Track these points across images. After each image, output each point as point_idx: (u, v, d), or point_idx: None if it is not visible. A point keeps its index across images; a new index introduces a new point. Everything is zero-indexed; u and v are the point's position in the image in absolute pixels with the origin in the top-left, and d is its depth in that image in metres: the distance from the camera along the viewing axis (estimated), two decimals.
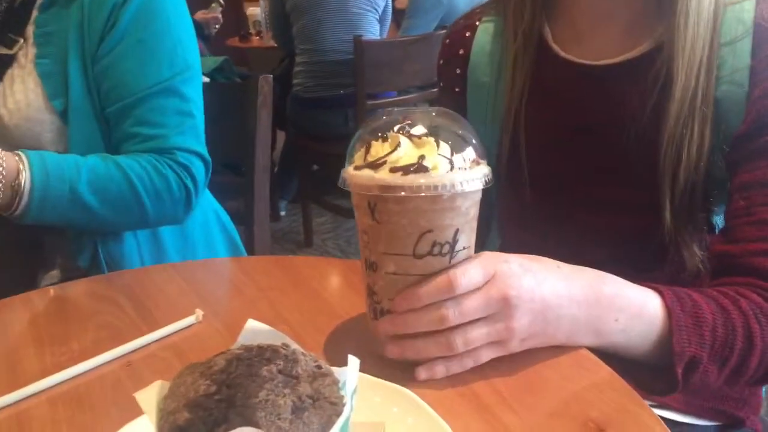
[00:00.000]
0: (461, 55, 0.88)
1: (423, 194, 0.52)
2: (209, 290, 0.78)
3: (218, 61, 2.18)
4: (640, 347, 0.62)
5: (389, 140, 0.54)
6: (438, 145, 0.53)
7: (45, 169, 0.87)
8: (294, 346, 0.46)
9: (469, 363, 0.57)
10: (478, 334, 0.56)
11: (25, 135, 0.95)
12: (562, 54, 0.81)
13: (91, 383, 0.59)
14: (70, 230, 0.99)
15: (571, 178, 0.81)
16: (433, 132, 0.55)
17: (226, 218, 1.24)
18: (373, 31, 2.96)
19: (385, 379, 0.54)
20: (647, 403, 0.55)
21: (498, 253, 0.59)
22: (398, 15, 3.43)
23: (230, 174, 1.69)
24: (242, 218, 1.34)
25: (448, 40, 0.92)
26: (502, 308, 0.55)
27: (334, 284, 0.80)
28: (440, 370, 0.57)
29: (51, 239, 1.03)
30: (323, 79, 2.87)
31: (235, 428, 0.37)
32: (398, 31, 3.39)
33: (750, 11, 0.70)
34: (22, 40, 0.97)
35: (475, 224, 0.57)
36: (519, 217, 0.87)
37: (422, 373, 0.57)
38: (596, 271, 0.62)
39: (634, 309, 0.61)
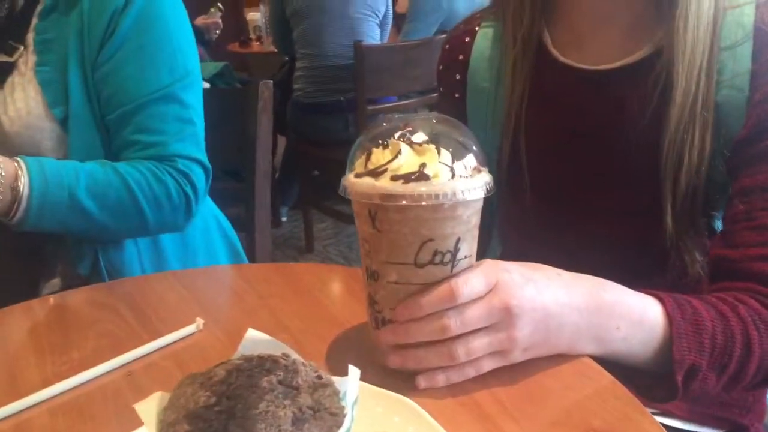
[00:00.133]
0: (461, 60, 0.88)
1: (424, 203, 0.51)
2: (210, 298, 0.78)
3: (219, 67, 2.18)
4: (640, 354, 0.62)
5: (390, 147, 0.54)
6: (439, 153, 0.53)
7: (43, 175, 0.87)
8: (294, 356, 0.45)
9: (470, 372, 0.57)
10: (480, 344, 0.55)
11: (25, 143, 0.95)
12: (562, 59, 0.81)
13: (91, 393, 0.59)
14: (70, 237, 0.99)
15: (572, 184, 0.81)
16: (434, 139, 0.54)
17: (226, 225, 1.24)
18: (374, 36, 2.96)
19: (387, 389, 0.54)
20: (649, 411, 0.54)
21: (499, 262, 0.59)
22: (399, 19, 3.44)
23: (231, 180, 1.69)
24: (243, 224, 1.34)
25: (447, 46, 0.92)
26: (504, 318, 0.55)
27: (335, 292, 0.79)
28: (441, 379, 0.57)
29: (51, 247, 1.03)
30: (324, 85, 2.88)
31: None
32: (399, 36, 3.39)
33: (750, 15, 0.70)
34: (22, 48, 0.97)
35: (476, 232, 0.56)
36: (520, 223, 0.87)
37: (422, 382, 0.56)
38: (597, 278, 0.62)
39: (635, 316, 0.60)
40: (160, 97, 0.97)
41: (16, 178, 0.85)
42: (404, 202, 0.51)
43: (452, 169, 0.53)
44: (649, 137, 0.72)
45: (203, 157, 1.01)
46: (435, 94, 2.71)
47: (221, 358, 0.47)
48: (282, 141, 3.31)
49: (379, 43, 3.00)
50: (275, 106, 1.35)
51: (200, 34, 3.05)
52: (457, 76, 0.88)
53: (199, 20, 3.17)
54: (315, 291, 0.76)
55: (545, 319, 0.57)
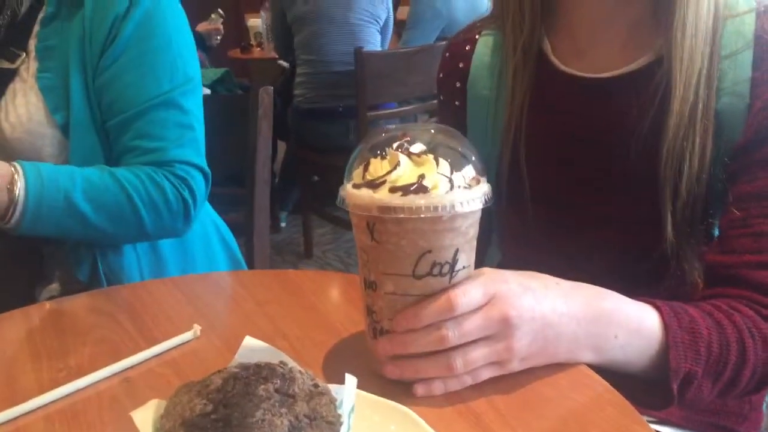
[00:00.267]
0: (461, 68, 0.89)
1: (423, 215, 0.51)
2: (208, 305, 0.78)
3: (219, 73, 2.19)
4: (637, 363, 0.62)
5: (388, 158, 0.54)
6: (437, 163, 0.53)
7: (40, 178, 0.87)
8: (291, 364, 0.46)
9: (467, 381, 0.57)
10: (478, 354, 0.55)
11: (26, 149, 0.96)
12: (562, 67, 0.81)
13: (88, 400, 0.59)
14: (69, 242, 0.99)
15: (572, 191, 0.81)
16: (433, 149, 0.54)
17: (225, 230, 1.24)
18: (374, 42, 2.97)
19: (383, 397, 0.54)
20: (646, 418, 0.54)
21: (498, 272, 0.59)
22: (400, 26, 3.45)
23: (231, 186, 1.69)
24: (242, 230, 1.34)
25: (448, 54, 0.92)
26: (503, 329, 0.55)
27: (333, 299, 0.79)
28: (438, 386, 0.57)
29: (50, 252, 1.03)
30: (324, 90, 2.88)
31: None
32: (399, 42, 3.40)
33: (750, 24, 0.70)
34: (24, 54, 0.98)
35: (474, 243, 0.56)
36: (519, 231, 0.87)
37: (420, 390, 0.56)
38: (595, 287, 0.62)
39: (632, 325, 0.61)
40: (160, 103, 0.97)
41: (12, 180, 0.85)
42: (402, 214, 0.51)
43: (451, 180, 0.53)
44: (649, 145, 0.73)
45: (203, 162, 1.01)
46: (435, 101, 2.71)
47: (218, 365, 0.47)
48: (282, 146, 3.32)
49: (379, 49, 3.01)
50: (275, 112, 1.36)
51: (201, 40, 3.06)
52: (457, 84, 0.89)
53: (201, 26, 3.18)
54: (313, 298, 0.76)
55: (543, 329, 0.57)
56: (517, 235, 0.89)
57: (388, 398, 0.53)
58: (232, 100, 1.53)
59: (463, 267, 0.56)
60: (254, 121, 1.28)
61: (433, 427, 0.50)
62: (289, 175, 3.31)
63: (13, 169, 0.86)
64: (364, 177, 0.54)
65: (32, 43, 0.98)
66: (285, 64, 3.37)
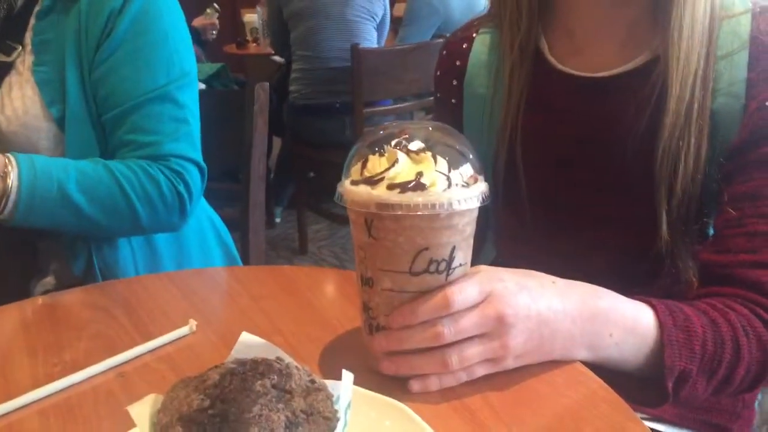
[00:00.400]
0: (458, 66, 0.89)
1: (420, 213, 0.51)
2: (203, 300, 0.78)
3: (215, 68, 2.19)
4: (632, 361, 0.62)
5: (386, 155, 0.54)
6: (435, 161, 0.53)
7: (33, 169, 0.87)
8: (288, 359, 0.46)
9: (462, 377, 0.57)
10: (474, 351, 0.56)
11: (22, 142, 0.95)
12: (559, 66, 0.81)
13: (83, 395, 0.59)
14: (64, 235, 0.99)
15: (568, 190, 0.81)
16: (431, 147, 0.55)
17: (221, 225, 1.24)
18: (371, 39, 2.97)
19: (379, 393, 0.54)
20: (640, 415, 0.55)
21: (494, 270, 0.59)
22: (397, 23, 3.45)
23: (226, 181, 1.69)
24: (237, 225, 1.34)
25: (445, 52, 0.92)
26: (498, 326, 0.56)
27: (329, 294, 0.80)
28: (433, 382, 0.57)
29: (45, 245, 1.02)
30: (320, 87, 2.88)
31: None
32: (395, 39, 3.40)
33: (746, 25, 0.71)
34: (20, 48, 0.97)
35: (471, 241, 0.57)
36: (515, 229, 0.87)
37: (415, 386, 0.57)
38: (591, 285, 0.62)
39: (628, 323, 0.61)
40: (155, 97, 0.97)
41: (5, 171, 0.85)
42: (400, 211, 0.52)
43: (449, 178, 0.53)
44: (645, 144, 0.73)
45: (198, 156, 1.01)
46: (431, 98, 2.73)
47: (214, 360, 0.47)
48: (277, 142, 3.31)
49: (376, 46, 3.01)
50: (271, 108, 1.36)
51: (197, 34, 3.05)
52: (454, 82, 0.89)
53: (196, 21, 3.17)
54: (308, 294, 0.76)
55: (539, 328, 0.57)
56: (513, 233, 0.89)
57: (383, 394, 0.54)
58: (228, 95, 1.52)
59: (460, 264, 0.56)
60: (250, 117, 1.28)
61: (428, 423, 0.51)
62: (284, 171, 3.30)
63: (6, 160, 0.86)
64: (362, 174, 0.54)
65: (28, 37, 0.98)
66: (280, 59, 3.36)
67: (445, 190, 0.52)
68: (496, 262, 0.94)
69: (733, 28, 0.71)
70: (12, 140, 0.95)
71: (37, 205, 0.87)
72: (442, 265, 0.54)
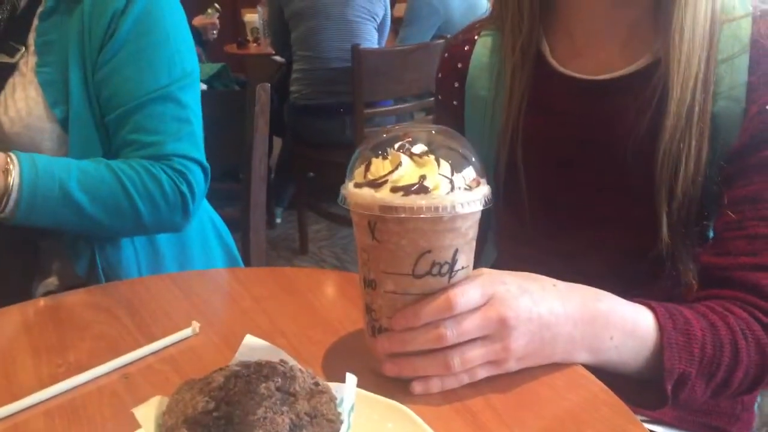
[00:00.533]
0: (460, 68, 0.89)
1: (424, 216, 0.52)
2: (205, 301, 0.78)
3: (216, 68, 2.19)
4: (631, 363, 0.63)
5: (390, 158, 0.54)
6: (438, 164, 0.53)
7: (34, 167, 0.87)
8: (292, 362, 0.46)
9: (464, 379, 0.58)
10: (476, 354, 0.56)
11: (25, 143, 0.96)
12: (560, 68, 0.81)
13: (87, 396, 0.59)
14: (67, 235, 0.99)
15: (569, 192, 0.81)
16: (434, 150, 0.55)
17: (222, 226, 1.24)
18: (372, 39, 2.97)
19: (381, 395, 0.54)
20: (639, 418, 0.55)
21: (496, 273, 0.59)
22: (397, 23, 3.45)
23: (227, 181, 1.69)
24: (238, 225, 1.34)
25: (446, 54, 0.93)
26: (500, 329, 0.56)
27: (330, 296, 0.80)
28: (436, 384, 0.57)
29: (47, 244, 1.03)
30: (320, 87, 2.88)
31: None
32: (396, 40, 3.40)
33: (747, 28, 0.71)
34: (23, 49, 0.98)
35: (473, 244, 0.57)
36: (516, 230, 0.88)
37: (418, 387, 0.57)
38: (591, 288, 0.63)
39: (628, 326, 0.62)
40: (157, 97, 0.98)
41: (7, 169, 0.85)
42: (404, 214, 0.52)
43: (452, 181, 0.53)
44: (645, 146, 0.73)
45: (201, 156, 1.01)
46: (431, 99, 2.73)
47: (217, 362, 0.48)
48: (278, 142, 3.31)
49: (376, 46, 3.01)
50: (272, 108, 1.36)
51: (198, 34, 3.05)
52: (456, 84, 0.89)
53: (197, 20, 3.17)
54: (309, 295, 0.77)
55: (540, 330, 0.58)
56: (514, 235, 0.89)
57: (385, 396, 0.54)
58: (229, 96, 1.52)
59: (462, 267, 0.56)
60: (251, 118, 1.28)
61: (430, 425, 0.51)
62: (284, 171, 3.31)
63: (7, 158, 0.86)
64: (365, 176, 0.55)
65: (31, 38, 0.98)
66: (281, 59, 3.36)
67: (448, 193, 0.53)
68: (496, 264, 0.94)
69: (734, 32, 0.71)
70: (15, 141, 0.96)
71: (38, 203, 0.87)
72: (445, 268, 0.55)
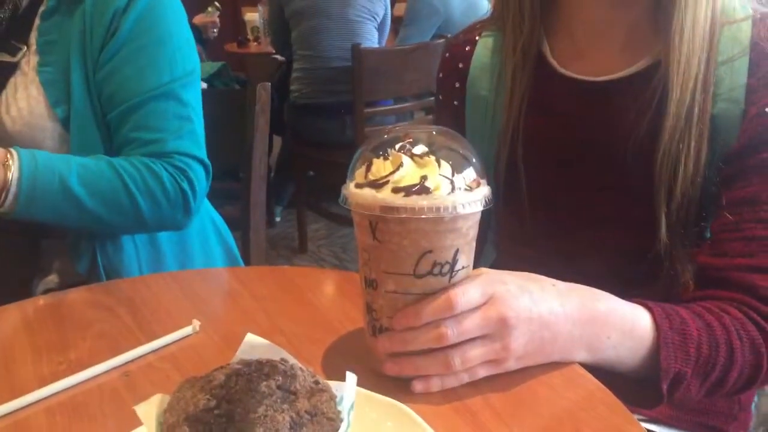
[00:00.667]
0: (461, 69, 0.89)
1: (425, 216, 0.52)
2: (206, 300, 0.78)
3: (216, 67, 2.18)
4: (628, 362, 0.63)
5: (391, 159, 0.54)
6: (439, 165, 0.54)
7: (34, 161, 0.87)
8: (292, 361, 0.46)
9: (464, 378, 0.58)
10: (476, 353, 0.57)
11: (27, 142, 0.96)
12: (561, 69, 0.81)
13: (88, 393, 0.59)
14: (66, 231, 0.99)
15: (569, 192, 0.82)
16: (435, 151, 0.55)
17: (222, 225, 1.24)
18: (372, 39, 2.97)
19: (381, 394, 0.54)
20: (636, 416, 0.56)
21: (496, 273, 0.60)
22: (397, 22, 3.45)
23: (227, 180, 1.69)
24: (238, 224, 1.34)
25: (447, 54, 0.93)
26: (500, 328, 0.56)
27: (329, 295, 0.80)
28: (436, 383, 0.58)
29: (48, 243, 1.03)
30: (321, 86, 2.88)
31: None
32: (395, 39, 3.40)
33: (747, 31, 0.71)
34: (25, 48, 0.98)
35: (474, 244, 0.57)
36: (516, 230, 0.88)
37: (417, 386, 0.57)
38: (590, 288, 0.63)
39: (625, 326, 0.62)
40: (159, 94, 0.98)
41: (6, 163, 0.85)
42: (405, 214, 0.52)
43: (452, 182, 0.53)
44: (645, 147, 0.74)
45: (202, 154, 1.02)
46: (432, 98, 2.73)
47: (217, 360, 0.48)
48: (277, 141, 3.31)
49: (377, 46, 3.01)
50: (272, 107, 1.36)
51: (198, 32, 3.05)
52: (457, 85, 0.89)
53: (197, 19, 3.17)
54: (309, 294, 0.77)
55: (540, 330, 0.58)
56: (513, 234, 0.90)
57: (384, 395, 0.54)
58: (229, 95, 1.52)
59: (463, 267, 0.57)
60: (251, 117, 1.28)
61: (429, 424, 0.51)
62: (284, 170, 3.31)
63: (7, 152, 0.86)
64: (366, 177, 0.55)
65: (33, 37, 0.98)
66: (281, 58, 3.36)
67: (449, 193, 0.53)
68: (496, 264, 0.95)
69: (734, 34, 0.72)
70: (17, 140, 0.96)
71: (38, 197, 0.87)
72: (446, 268, 0.55)
